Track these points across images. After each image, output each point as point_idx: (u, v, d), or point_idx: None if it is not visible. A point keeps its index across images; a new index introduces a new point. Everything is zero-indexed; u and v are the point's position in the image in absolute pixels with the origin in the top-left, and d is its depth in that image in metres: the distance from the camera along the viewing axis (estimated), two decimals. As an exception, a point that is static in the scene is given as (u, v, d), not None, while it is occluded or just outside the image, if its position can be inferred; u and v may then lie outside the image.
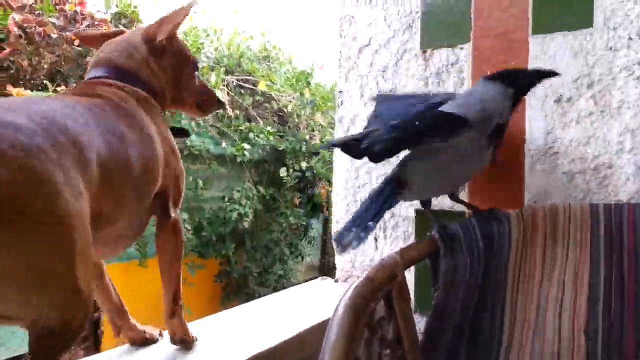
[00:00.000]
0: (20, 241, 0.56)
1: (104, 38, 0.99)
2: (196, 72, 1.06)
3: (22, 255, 0.56)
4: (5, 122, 0.57)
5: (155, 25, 0.97)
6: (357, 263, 1.47)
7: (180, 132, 1.12)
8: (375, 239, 1.42)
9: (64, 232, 0.60)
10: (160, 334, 1.05)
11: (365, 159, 1.42)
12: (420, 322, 1.24)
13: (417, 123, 0.96)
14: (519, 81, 1.05)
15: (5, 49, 2.52)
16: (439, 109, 1.01)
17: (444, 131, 0.94)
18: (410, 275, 1.30)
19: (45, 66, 2.68)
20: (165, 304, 0.98)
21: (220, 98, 3.79)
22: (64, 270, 0.62)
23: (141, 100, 0.90)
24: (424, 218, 1.34)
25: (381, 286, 0.85)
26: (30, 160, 0.56)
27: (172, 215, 0.95)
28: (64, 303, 0.63)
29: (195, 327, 1.12)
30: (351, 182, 1.48)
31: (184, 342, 0.99)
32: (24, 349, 3.10)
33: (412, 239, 1.36)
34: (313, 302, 1.31)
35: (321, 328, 1.10)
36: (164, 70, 0.98)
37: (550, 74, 1.06)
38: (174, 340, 0.99)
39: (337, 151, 1.50)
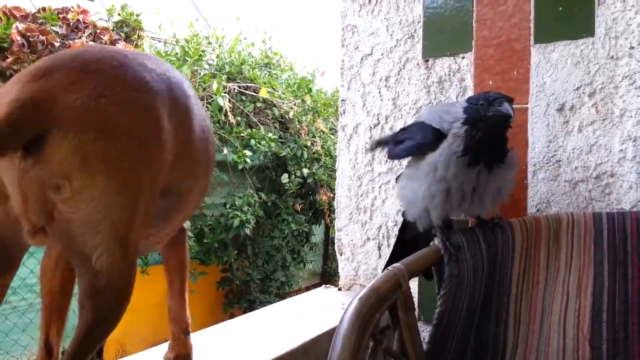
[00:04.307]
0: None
1: None
2: None
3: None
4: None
5: None
6: (360, 271, 1.47)
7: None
8: (379, 247, 1.43)
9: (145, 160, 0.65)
10: None
11: (370, 167, 1.42)
12: (424, 331, 1.24)
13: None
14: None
15: (8, 57, 2.54)
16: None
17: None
18: (413, 284, 1.30)
19: (48, 75, 2.69)
20: (181, 319, 0.95)
21: (221, 105, 3.77)
22: (123, 213, 0.63)
23: None
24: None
25: (386, 296, 0.85)
26: (153, 106, 0.67)
27: (185, 225, 0.98)
28: (113, 248, 0.63)
29: (200, 337, 1.12)
30: (354, 190, 1.48)
31: None
32: (25, 357, 3.10)
33: (415, 247, 1.36)
34: (317, 311, 1.31)
35: (326, 338, 1.10)
36: None
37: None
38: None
39: (341, 160, 1.51)
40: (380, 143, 1.17)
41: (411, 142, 1.05)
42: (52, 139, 0.58)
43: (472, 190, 1.02)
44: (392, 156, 1.16)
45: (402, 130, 1.13)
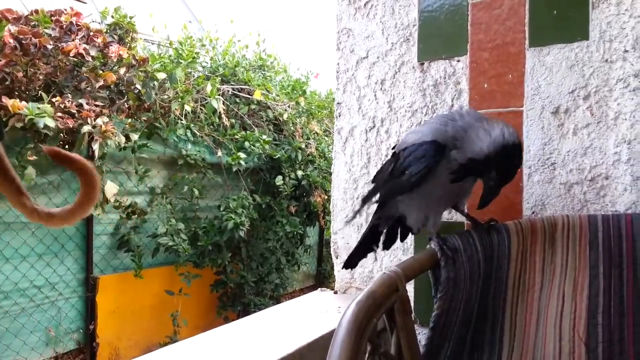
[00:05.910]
0: None
1: None
2: None
3: None
4: None
5: None
6: (356, 274, 1.47)
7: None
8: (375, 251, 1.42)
9: None
10: None
11: (366, 169, 1.41)
12: (419, 334, 1.24)
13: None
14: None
15: (0, 60, 2.52)
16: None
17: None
18: (409, 287, 1.30)
19: (41, 77, 2.68)
20: None
21: (215, 107, 3.76)
22: None
23: None
24: (423, 230, 1.34)
25: (383, 300, 0.85)
26: None
27: None
28: None
29: (195, 343, 1.11)
30: (350, 193, 1.48)
31: None
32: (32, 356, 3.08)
33: (411, 251, 1.36)
34: (313, 315, 1.31)
35: (322, 342, 1.10)
36: None
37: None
38: None
39: (337, 163, 1.51)
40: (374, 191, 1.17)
41: (419, 167, 1.01)
42: None
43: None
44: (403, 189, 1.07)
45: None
